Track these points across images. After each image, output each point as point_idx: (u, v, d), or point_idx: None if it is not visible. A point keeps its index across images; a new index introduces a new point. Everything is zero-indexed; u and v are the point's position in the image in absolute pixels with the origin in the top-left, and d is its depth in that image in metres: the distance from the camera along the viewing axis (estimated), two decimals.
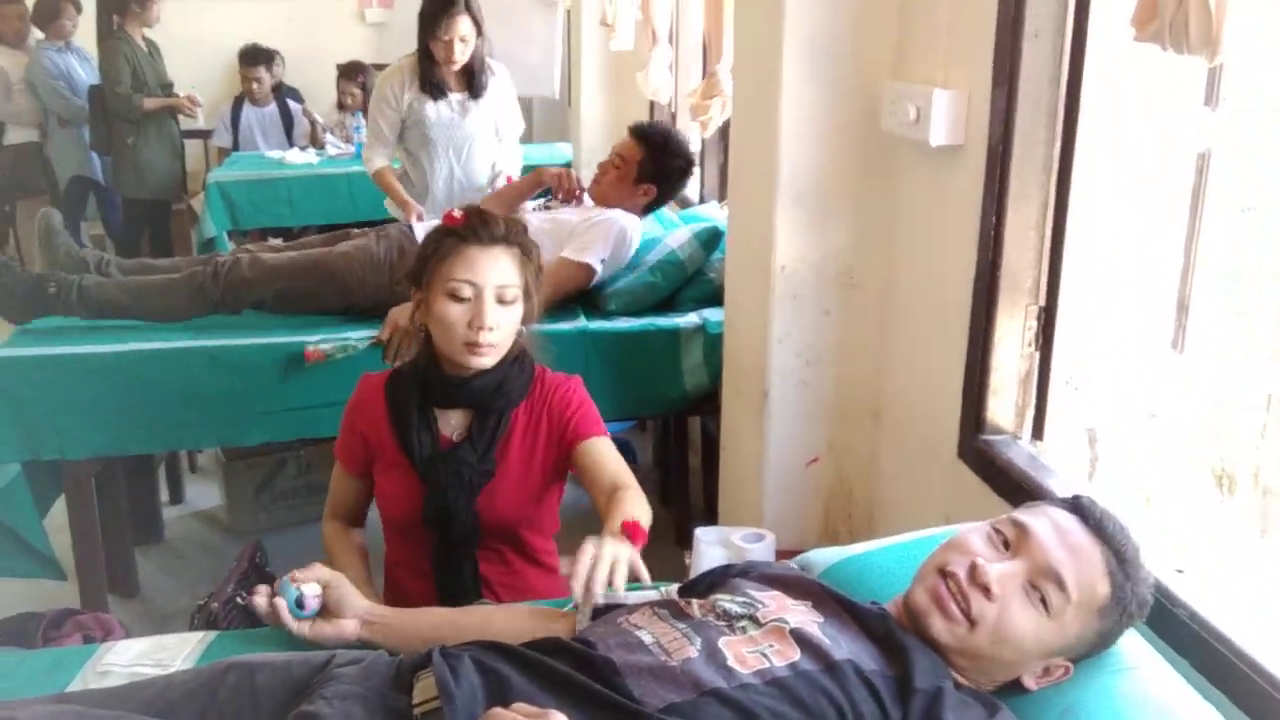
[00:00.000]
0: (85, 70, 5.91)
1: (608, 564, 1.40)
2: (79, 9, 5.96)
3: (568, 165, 4.48)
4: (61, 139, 6.01)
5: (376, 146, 3.74)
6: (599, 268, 3.00)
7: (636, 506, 1.70)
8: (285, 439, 3.08)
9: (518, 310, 1.85)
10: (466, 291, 1.79)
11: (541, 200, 3.47)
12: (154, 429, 2.85)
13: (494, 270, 1.80)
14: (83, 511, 2.88)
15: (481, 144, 3.77)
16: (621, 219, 3.07)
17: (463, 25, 3.48)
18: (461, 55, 3.54)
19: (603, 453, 1.87)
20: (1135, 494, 1.85)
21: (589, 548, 1.42)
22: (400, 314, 2.76)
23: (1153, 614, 1.41)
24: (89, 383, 2.77)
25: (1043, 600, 1.25)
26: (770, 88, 2.25)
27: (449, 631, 1.47)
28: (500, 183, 3.80)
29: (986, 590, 1.25)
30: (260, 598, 1.56)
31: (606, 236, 3.00)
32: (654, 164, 3.12)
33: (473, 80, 3.65)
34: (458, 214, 1.84)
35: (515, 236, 1.84)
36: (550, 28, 6.10)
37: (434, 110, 3.65)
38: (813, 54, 2.20)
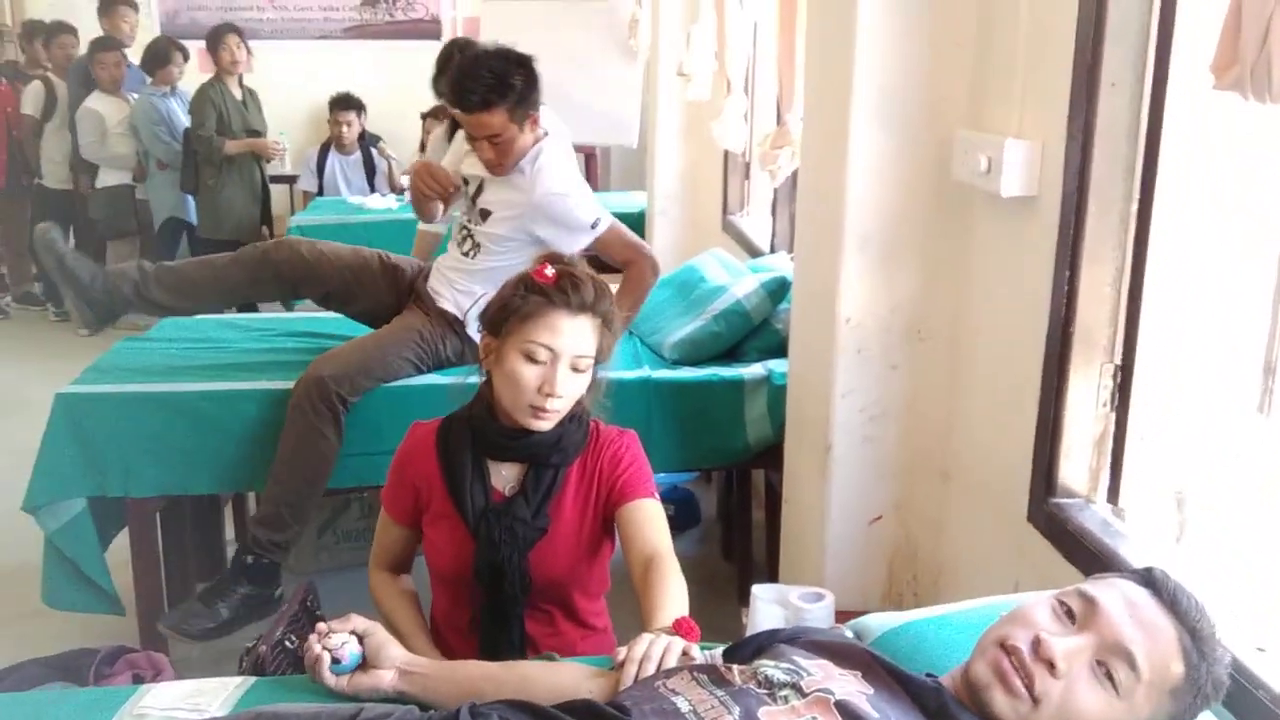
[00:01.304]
0: (185, 115, 6.11)
1: (659, 658, 1.40)
2: (186, 57, 6.19)
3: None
4: (160, 181, 6.22)
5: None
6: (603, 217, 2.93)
7: (674, 590, 1.66)
8: (346, 485, 3.07)
9: (587, 377, 1.82)
10: (543, 355, 1.75)
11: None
12: (219, 469, 2.87)
13: (574, 338, 1.76)
14: (145, 548, 2.91)
15: None
16: (552, 169, 2.89)
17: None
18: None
19: (646, 517, 1.82)
20: (1220, 563, 1.75)
21: (644, 640, 1.44)
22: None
23: (1230, 695, 1.32)
24: (156, 421, 2.80)
25: (1111, 679, 1.17)
26: (839, 136, 2.21)
27: (487, 686, 1.43)
28: None
29: (1052, 666, 1.18)
30: (315, 647, 1.52)
31: (576, 193, 2.91)
32: (517, 101, 2.76)
33: None
34: (550, 272, 1.77)
35: (601, 306, 1.79)
36: (630, 77, 6.15)
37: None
38: (883, 102, 2.16)
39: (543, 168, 2.85)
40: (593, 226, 2.87)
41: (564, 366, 1.75)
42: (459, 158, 3.06)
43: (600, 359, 1.82)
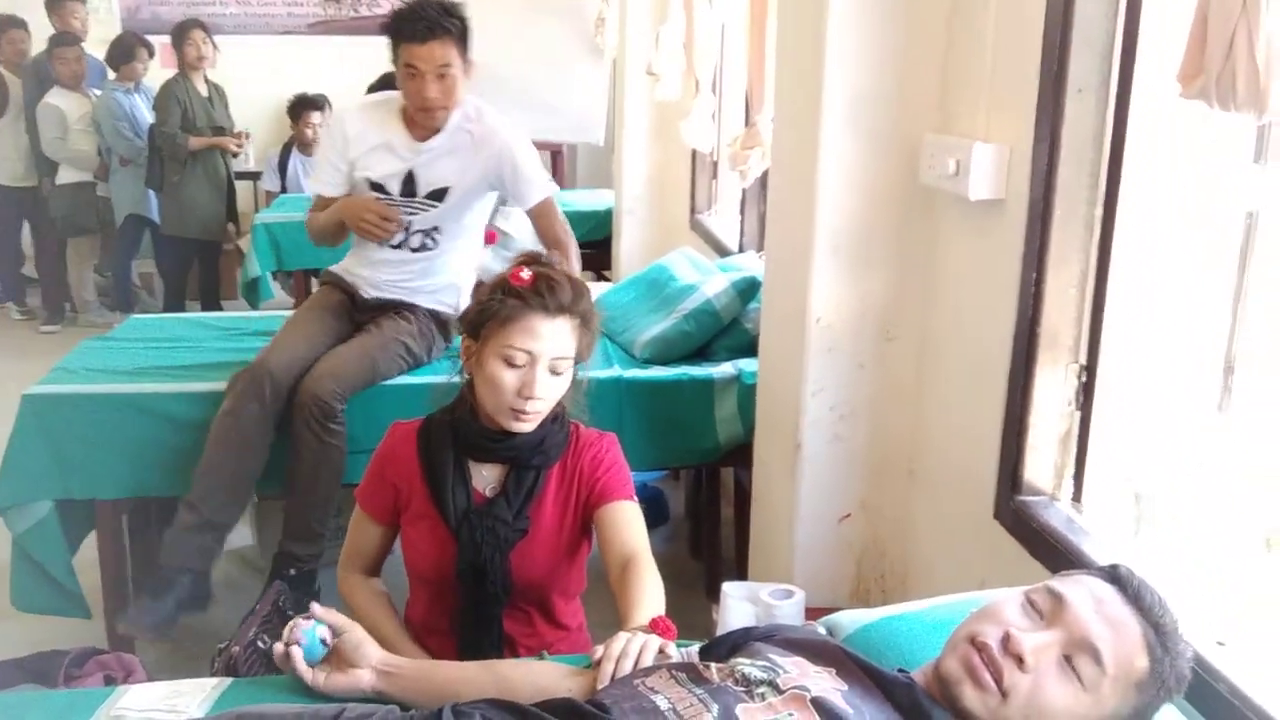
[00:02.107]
0: (150, 111, 6.04)
1: (635, 655, 1.42)
2: (151, 53, 6.12)
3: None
4: (122, 178, 6.15)
5: None
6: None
7: (651, 590, 1.68)
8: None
9: (567, 379, 1.82)
10: (521, 359, 1.75)
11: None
12: (188, 471, 2.84)
13: (553, 341, 1.76)
14: (112, 549, 2.89)
15: None
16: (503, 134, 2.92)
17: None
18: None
19: (624, 519, 1.83)
20: (1179, 559, 1.79)
21: (621, 638, 1.45)
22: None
23: (1192, 688, 1.36)
24: (124, 422, 2.79)
25: (1078, 673, 1.20)
26: (809, 138, 2.23)
27: (465, 687, 1.44)
28: None
29: (1020, 661, 1.21)
30: (278, 644, 1.54)
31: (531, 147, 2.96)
32: (462, 36, 2.77)
33: None
34: (526, 275, 1.77)
35: (578, 306, 1.79)
36: (597, 76, 6.15)
37: None
38: (853, 105, 2.18)
39: (494, 121, 2.90)
40: (546, 184, 2.93)
41: (543, 369, 1.76)
42: (356, 158, 2.93)
43: (580, 359, 1.83)
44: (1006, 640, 1.22)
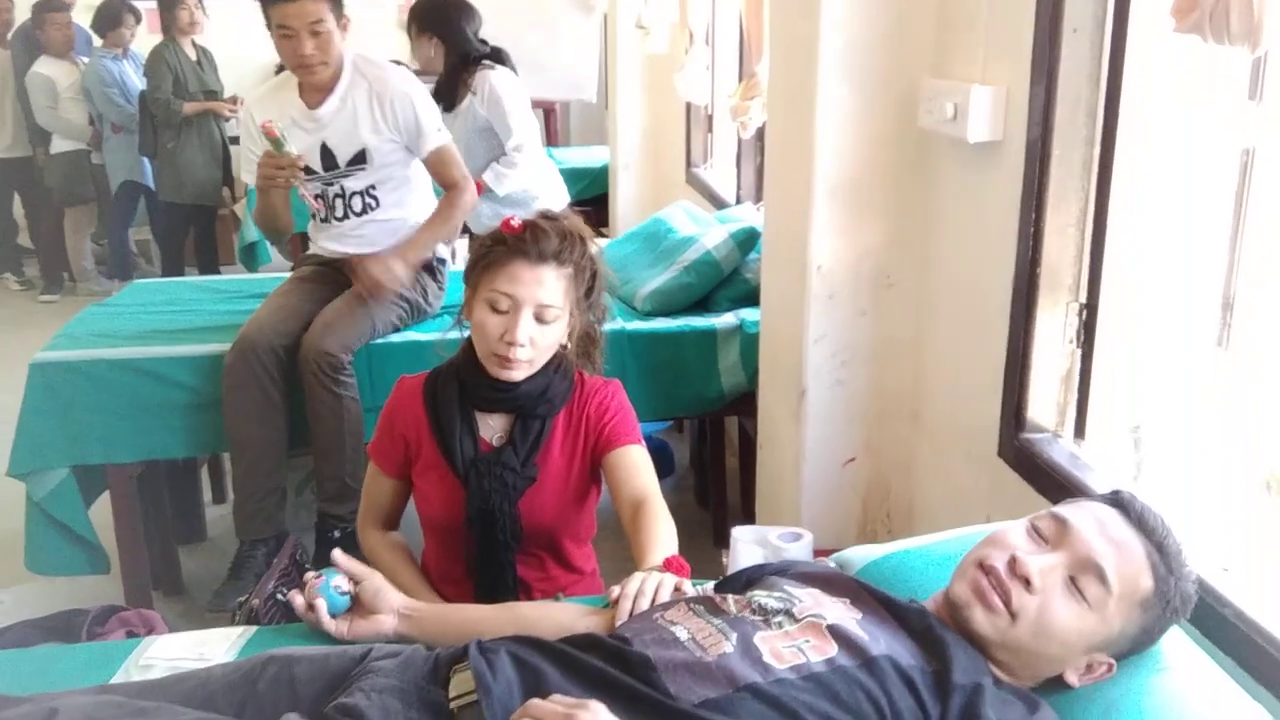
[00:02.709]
0: (140, 77, 6.01)
1: (652, 593, 1.46)
2: (138, 18, 6.07)
3: None
4: (115, 145, 6.13)
5: None
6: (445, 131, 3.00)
7: (664, 531, 1.72)
8: None
9: (558, 328, 1.83)
10: (504, 304, 1.78)
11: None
12: (197, 432, 2.89)
13: (536, 288, 1.78)
14: (127, 511, 2.93)
15: (475, 160, 3.76)
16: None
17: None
18: (413, 58, 3.65)
19: (632, 462, 1.86)
20: (1179, 494, 1.83)
21: (636, 578, 1.49)
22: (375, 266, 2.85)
23: (1197, 612, 1.39)
24: (131, 387, 2.82)
25: (1083, 593, 1.24)
26: (807, 87, 2.24)
27: (486, 627, 1.47)
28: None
29: (1027, 582, 1.24)
30: (299, 597, 1.57)
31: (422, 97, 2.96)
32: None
33: (442, 95, 3.67)
34: (516, 223, 1.80)
35: (568, 255, 1.81)
36: (587, 32, 6.13)
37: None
38: (850, 52, 2.19)
39: (384, 70, 2.90)
40: (439, 130, 2.93)
41: (526, 315, 1.77)
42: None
43: (579, 309, 1.85)
44: (1013, 563, 1.25)
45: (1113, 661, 1.28)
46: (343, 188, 2.93)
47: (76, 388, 2.80)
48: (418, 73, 3.27)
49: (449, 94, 3.69)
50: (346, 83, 2.85)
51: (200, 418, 2.87)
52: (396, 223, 2.99)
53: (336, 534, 2.82)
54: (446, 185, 2.98)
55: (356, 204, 2.95)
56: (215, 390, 2.83)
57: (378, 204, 2.96)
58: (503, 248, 1.79)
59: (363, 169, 2.90)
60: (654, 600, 1.45)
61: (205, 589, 3.29)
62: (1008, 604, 1.24)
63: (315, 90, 2.85)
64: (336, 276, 3.01)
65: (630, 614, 1.43)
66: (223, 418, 2.82)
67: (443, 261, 3.14)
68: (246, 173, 2.97)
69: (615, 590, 1.50)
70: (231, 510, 2.98)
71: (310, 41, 2.73)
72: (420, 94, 2.91)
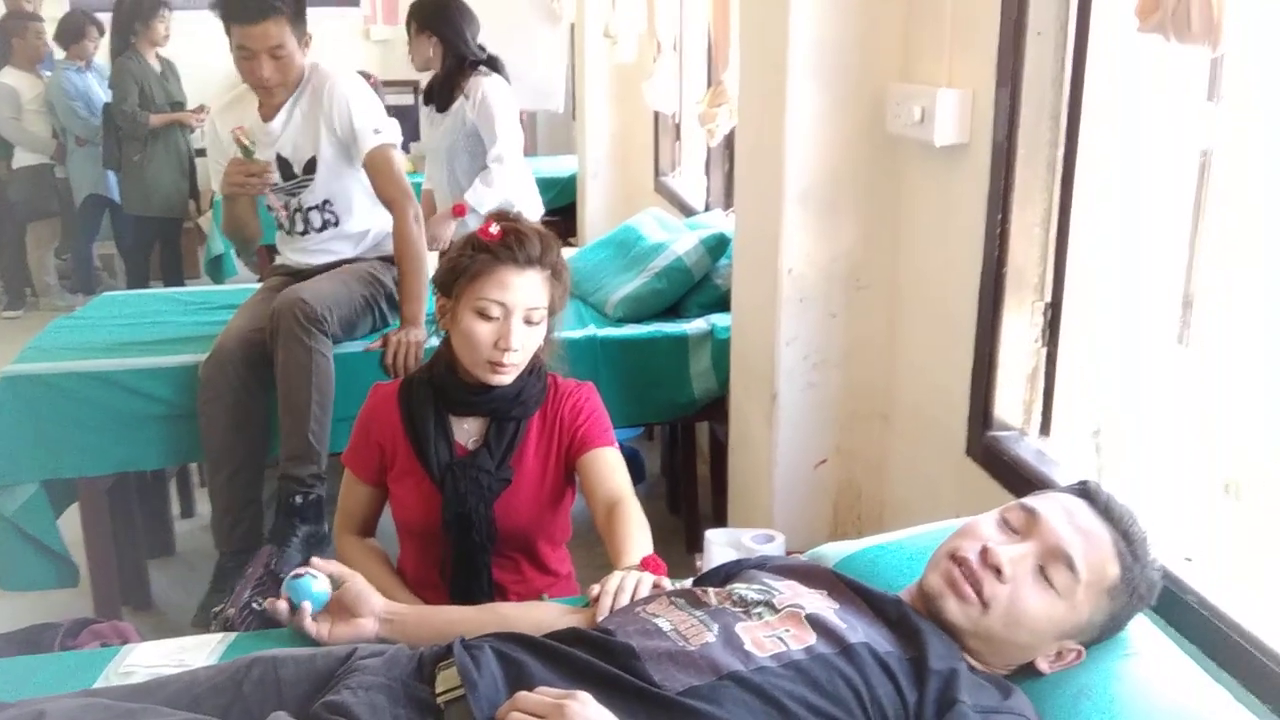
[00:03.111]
0: (104, 90, 5.97)
1: (631, 590, 1.50)
2: (101, 31, 6.02)
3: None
4: (79, 158, 6.08)
5: None
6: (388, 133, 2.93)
7: (639, 532, 1.74)
8: None
9: (542, 329, 1.86)
10: (495, 311, 1.80)
11: None
12: (171, 442, 2.88)
13: (525, 292, 1.80)
14: (96, 525, 2.91)
15: (462, 162, 3.82)
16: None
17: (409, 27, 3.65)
18: (411, 55, 3.75)
19: (606, 464, 1.89)
20: (1141, 492, 1.86)
21: (616, 575, 1.54)
22: (405, 345, 2.82)
23: (1162, 600, 1.43)
24: (102, 400, 2.80)
25: (1052, 581, 1.27)
26: (776, 93, 2.27)
27: (468, 627, 1.48)
28: None
29: (998, 572, 1.27)
30: (281, 603, 1.58)
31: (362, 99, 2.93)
32: (295, 12, 2.79)
33: (436, 96, 3.78)
34: (495, 230, 1.81)
35: (548, 258, 1.84)
36: (555, 42, 6.16)
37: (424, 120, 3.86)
38: (818, 58, 2.22)
39: (326, 72, 2.87)
40: (375, 132, 2.86)
41: (517, 320, 1.80)
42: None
43: (554, 310, 1.88)
44: (985, 554, 1.28)
45: (1082, 649, 1.31)
46: (300, 203, 2.94)
47: (47, 401, 2.78)
48: (407, 81, 3.34)
49: (444, 94, 3.73)
50: (296, 93, 2.87)
51: (173, 428, 2.85)
52: (358, 235, 3.00)
53: (298, 500, 2.73)
54: (385, 200, 2.90)
55: (315, 220, 2.97)
56: (187, 401, 2.81)
57: (337, 220, 2.98)
58: (487, 255, 1.80)
59: (314, 178, 2.90)
60: (633, 597, 1.47)
61: (174, 603, 3.28)
62: (979, 593, 1.27)
63: (272, 106, 2.88)
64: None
65: (610, 610, 1.45)
66: (199, 430, 2.79)
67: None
68: (216, 182, 2.96)
69: (595, 588, 1.52)
70: (210, 524, 2.94)
71: (269, 64, 2.75)
72: (359, 96, 2.88)
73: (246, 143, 2.71)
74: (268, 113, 2.87)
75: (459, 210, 3.66)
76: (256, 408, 2.80)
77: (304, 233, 2.98)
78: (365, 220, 3.01)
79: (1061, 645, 1.30)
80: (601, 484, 1.86)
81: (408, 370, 2.77)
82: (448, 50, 3.71)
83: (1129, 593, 1.29)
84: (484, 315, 1.80)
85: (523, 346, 1.82)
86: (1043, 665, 1.31)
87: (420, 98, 3.84)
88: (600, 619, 1.42)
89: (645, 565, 1.59)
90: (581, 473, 1.91)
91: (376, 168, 2.88)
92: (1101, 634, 1.31)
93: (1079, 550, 1.27)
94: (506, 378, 1.84)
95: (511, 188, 3.75)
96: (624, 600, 1.46)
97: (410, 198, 2.91)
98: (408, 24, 3.82)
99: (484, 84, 3.68)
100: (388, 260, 3.03)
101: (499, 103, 3.66)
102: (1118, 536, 1.29)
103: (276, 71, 2.76)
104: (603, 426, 1.94)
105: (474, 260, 1.81)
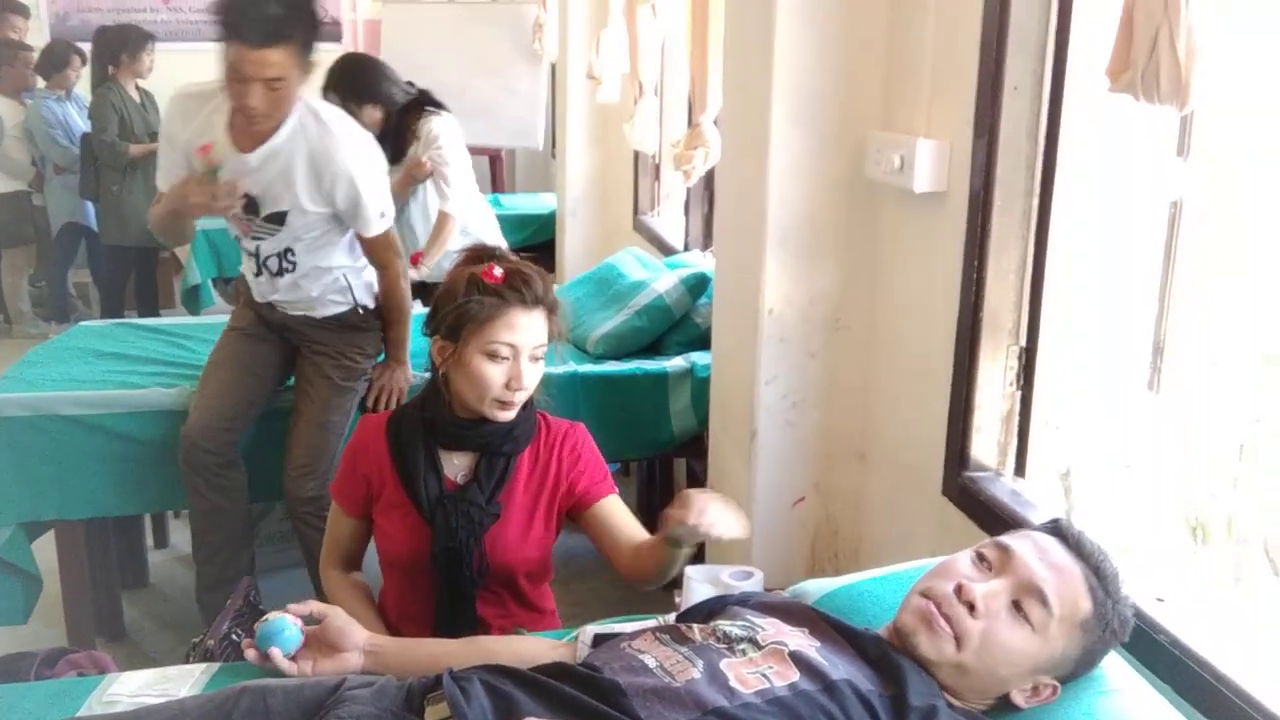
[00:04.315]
0: (82, 119, 5.97)
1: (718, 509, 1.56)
2: (84, 60, 6.04)
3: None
4: (57, 186, 6.09)
5: None
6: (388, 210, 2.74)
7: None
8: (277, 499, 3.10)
9: (543, 365, 1.90)
10: (505, 352, 1.83)
11: None
12: (151, 488, 2.89)
13: (531, 332, 1.84)
14: (71, 555, 2.91)
15: (424, 205, 3.86)
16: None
17: (335, 103, 3.07)
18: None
19: (619, 512, 1.95)
20: (1110, 539, 1.90)
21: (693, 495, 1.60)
22: (391, 388, 2.85)
23: (1135, 640, 1.47)
24: (85, 441, 2.80)
25: (1027, 616, 1.30)
26: (759, 138, 2.32)
27: (451, 660, 1.48)
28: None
29: (972, 608, 1.30)
30: (251, 650, 1.57)
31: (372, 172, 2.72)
32: (305, 41, 2.42)
33: (388, 148, 3.43)
34: (499, 272, 1.84)
35: (549, 296, 1.88)
36: (534, 80, 6.22)
37: None
38: (800, 104, 2.27)
39: (335, 135, 2.54)
40: (382, 216, 2.67)
41: (525, 359, 1.84)
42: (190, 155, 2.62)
43: (551, 342, 1.91)
44: (959, 590, 1.31)
45: (1057, 684, 1.34)
46: (258, 249, 2.72)
47: (29, 442, 2.78)
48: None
49: (396, 145, 3.70)
50: (286, 135, 2.52)
51: (155, 473, 2.86)
52: (320, 271, 2.76)
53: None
54: (377, 264, 2.78)
55: (273, 264, 2.74)
56: (170, 444, 2.80)
57: (295, 267, 2.73)
58: (494, 299, 1.82)
59: (279, 229, 2.65)
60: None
61: (147, 634, 3.26)
62: (954, 628, 1.30)
63: (248, 134, 2.52)
64: (271, 337, 2.88)
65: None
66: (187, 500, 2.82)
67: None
68: (163, 178, 2.69)
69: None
70: (195, 581, 2.95)
71: (261, 94, 2.39)
72: (366, 172, 2.60)
73: (216, 162, 2.49)
74: (245, 142, 2.52)
75: (415, 259, 3.63)
76: (237, 478, 2.83)
77: (258, 274, 2.78)
78: (326, 260, 2.76)
79: (1037, 680, 1.33)
80: (621, 531, 1.93)
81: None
82: (385, 106, 3.66)
83: (1102, 627, 1.32)
84: (494, 357, 1.83)
85: (530, 384, 1.87)
86: (1019, 700, 1.34)
87: None
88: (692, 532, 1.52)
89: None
90: (594, 524, 1.95)
91: (375, 244, 2.73)
92: (1076, 669, 1.34)
93: (1052, 585, 1.30)
94: (511, 414, 1.88)
95: (473, 223, 3.85)
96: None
97: (400, 255, 2.82)
98: (344, 105, 3.47)
99: (434, 123, 3.71)
100: (349, 326, 2.85)
101: (450, 143, 3.72)
102: (1089, 572, 1.33)
103: (268, 103, 2.42)
104: (604, 473, 1.99)
105: (482, 305, 1.82)
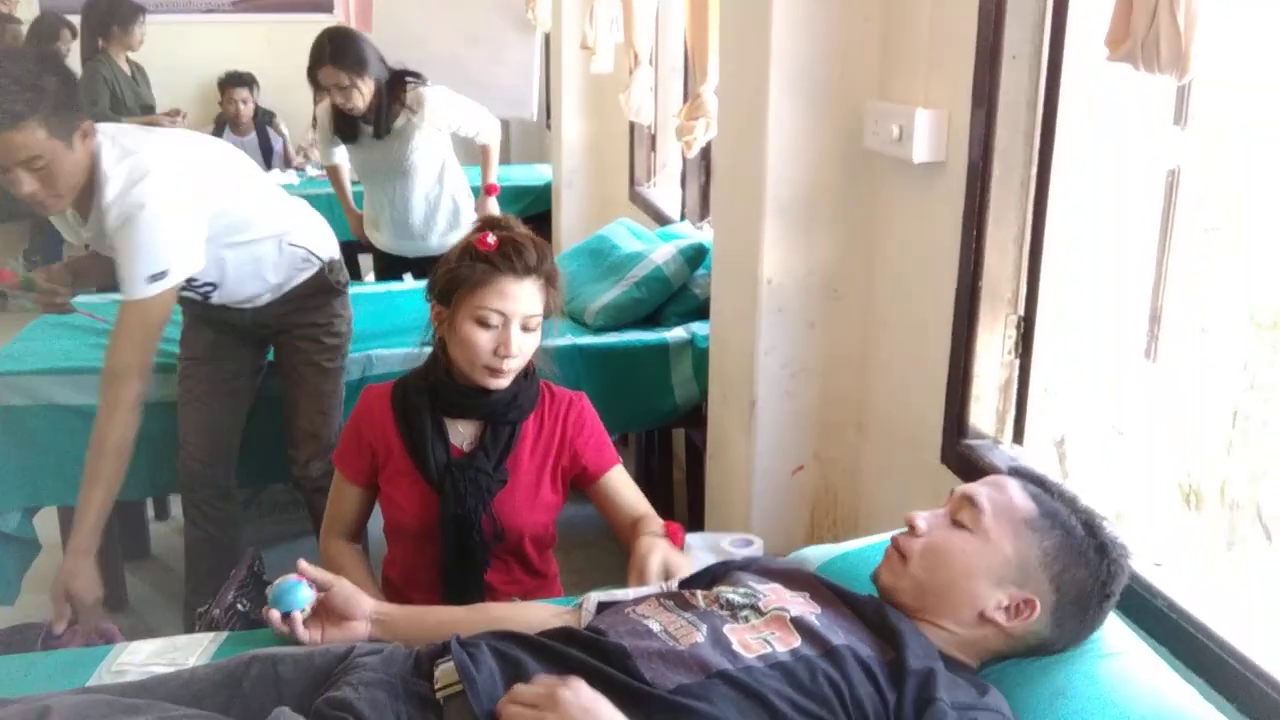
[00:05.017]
0: None
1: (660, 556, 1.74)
2: (74, 34, 5.99)
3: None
4: None
5: (325, 145, 3.99)
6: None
7: (658, 528, 1.91)
8: (276, 479, 3.14)
9: (538, 335, 1.91)
10: (495, 320, 1.84)
11: None
12: (149, 474, 2.85)
13: (523, 300, 1.85)
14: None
15: (418, 179, 3.82)
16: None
17: (332, 76, 3.46)
18: (347, 101, 3.51)
19: (623, 483, 2.03)
20: (1105, 505, 1.93)
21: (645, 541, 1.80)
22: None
23: (1133, 604, 1.49)
24: (84, 430, 2.78)
25: (962, 523, 1.37)
26: (757, 108, 2.32)
27: (459, 627, 1.50)
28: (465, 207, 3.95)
29: (913, 528, 1.39)
30: (274, 613, 1.58)
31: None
32: (53, 108, 2.08)
33: (378, 122, 3.63)
34: (491, 239, 1.85)
35: (544, 266, 1.88)
36: (527, 50, 6.20)
37: (351, 151, 3.83)
38: (798, 75, 2.27)
39: (428, 98, 3.11)
40: (147, 281, 2.19)
41: (516, 327, 1.85)
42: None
43: (548, 315, 1.92)
44: (908, 524, 1.41)
45: (1033, 598, 1.33)
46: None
47: (31, 429, 2.80)
48: (362, 116, 3.46)
49: (387, 118, 3.65)
50: (95, 196, 2.21)
51: (154, 459, 2.81)
52: (259, 261, 2.60)
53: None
54: (111, 364, 2.30)
55: (205, 290, 2.59)
56: (169, 432, 2.80)
57: (216, 288, 2.58)
58: (486, 265, 1.84)
59: None
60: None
61: (150, 605, 3.28)
62: (899, 551, 1.39)
63: (79, 201, 2.25)
64: (236, 344, 2.80)
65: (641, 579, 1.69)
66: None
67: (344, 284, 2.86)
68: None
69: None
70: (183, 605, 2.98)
71: (27, 179, 2.11)
72: (150, 221, 2.17)
73: (18, 280, 2.45)
74: (82, 208, 2.27)
75: (491, 190, 4.09)
76: (231, 508, 2.87)
77: (206, 299, 2.65)
78: (253, 249, 2.56)
79: (1005, 593, 1.33)
80: (624, 503, 2.01)
81: None
82: (377, 79, 3.59)
83: (1057, 527, 1.34)
84: (483, 323, 1.84)
85: (521, 353, 1.87)
86: (999, 617, 1.33)
87: (329, 130, 3.80)
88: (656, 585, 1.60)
89: (668, 530, 1.84)
90: (599, 495, 2.02)
91: (124, 320, 2.23)
92: (1060, 595, 1.33)
93: (982, 492, 1.38)
94: (503, 382, 1.89)
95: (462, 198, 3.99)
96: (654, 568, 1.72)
97: (140, 376, 2.28)
98: (326, 84, 3.54)
99: (425, 94, 3.69)
100: (330, 283, 2.76)
101: (446, 100, 3.79)
102: (1028, 482, 1.40)
103: (42, 186, 2.13)
104: (607, 444, 2.03)
105: (473, 270, 1.84)
